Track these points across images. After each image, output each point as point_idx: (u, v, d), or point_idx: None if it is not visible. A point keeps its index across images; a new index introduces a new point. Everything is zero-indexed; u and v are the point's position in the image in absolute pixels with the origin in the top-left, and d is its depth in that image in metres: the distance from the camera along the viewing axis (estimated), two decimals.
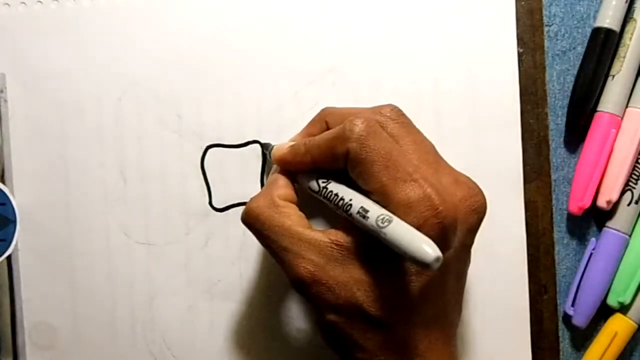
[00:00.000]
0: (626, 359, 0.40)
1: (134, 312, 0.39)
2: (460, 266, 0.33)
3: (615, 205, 0.38)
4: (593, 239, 0.39)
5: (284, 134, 0.38)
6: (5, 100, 0.39)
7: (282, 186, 0.34)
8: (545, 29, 0.39)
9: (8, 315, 0.39)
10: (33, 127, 0.39)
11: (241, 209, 0.39)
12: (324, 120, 0.35)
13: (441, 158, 0.32)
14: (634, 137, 0.38)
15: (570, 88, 0.39)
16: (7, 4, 0.39)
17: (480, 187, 0.32)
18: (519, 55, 0.38)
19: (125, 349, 0.39)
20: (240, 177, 0.39)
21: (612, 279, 0.38)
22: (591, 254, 0.39)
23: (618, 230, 0.38)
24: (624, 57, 0.38)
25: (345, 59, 0.38)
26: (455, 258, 0.31)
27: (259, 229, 0.33)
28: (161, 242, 0.39)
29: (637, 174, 0.38)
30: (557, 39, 0.40)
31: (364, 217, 0.29)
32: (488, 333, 0.38)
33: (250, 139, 0.39)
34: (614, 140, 0.38)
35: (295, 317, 0.39)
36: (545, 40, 0.39)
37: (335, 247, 0.31)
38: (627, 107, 0.38)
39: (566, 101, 0.39)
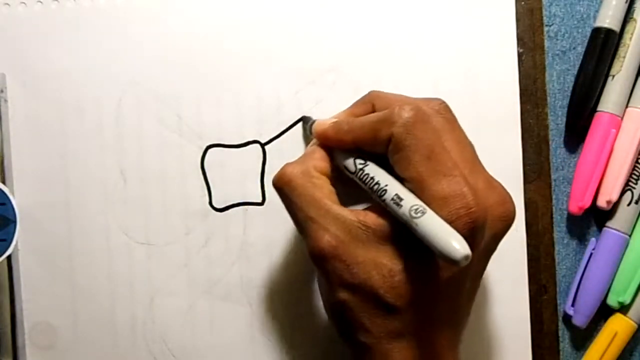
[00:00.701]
0: (626, 359, 0.40)
1: (134, 312, 0.39)
2: (478, 270, 0.33)
3: (615, 205, 0.38)
4: (593, 239, 0.39)
5: (284, 134, 0.38)
6: (5, 100, 0.39)
7: (318, 158, 0.34)
8: (545, 29, 0.39)
9: (8, 315, 0.39)
10: (33, 127, 0.39)
11: (241, 209, 0.39)
12: (371, 102, 0.34)
13: (479, 160, 0.32)
14: (634, 137, 0.38)
15: (570, 88, 0.39)
16: (7, 4, 0.39)
17: None
18: (519, 55, 0.38)
19: (125, 349, 0.39)
20: (240, 177, 0.39)
21: (612, 279, 0.38)
22: (591, 254, 0.39)
23: (618, 230, 0.38)
24: (624, 57, 0.38)
25: (345, 58, 0.38)
26: (477, 261, 0.31)
27: (289, 194, 0.32)
28: (161, 242, 0.39)
29: (637, 174, 0.38)
30: (557, 39, 0.40)
31: (397, 204, 0.29)
32: (488, 333, 0.38)
33: (250, 139, 0.39)
34: (614, 140, 0.38)
35: (296, 316, 0.39)
36: (545, 40, 0.39)
37: (361, 227, 0.30)
38: (627, 107, 0.38)
39: (566, 101, 0.39)
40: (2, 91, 0.39)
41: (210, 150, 0.39)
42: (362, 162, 0.32)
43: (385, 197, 0.30)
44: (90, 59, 0.39)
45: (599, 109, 0.39)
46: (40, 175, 0.39)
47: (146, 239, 0.39)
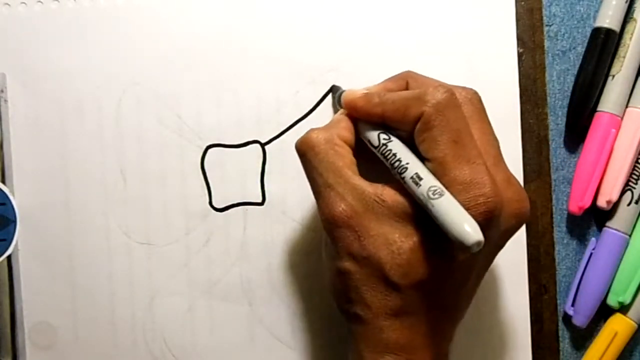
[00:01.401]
0: (626, 359, 0.40)
1: (134, 312, 0.39)
2: (485, 264, 0.33)
3: (615, 205, 0.38)
4: (593, 239, 0.39)
5: (284, 134, 0.38)
6: (5, 100, 0.39)
7: (344, 128, 0.34)
8: (545, 29, 0.39)
9: (8, 315, 0.39)
10: (33, 127, 0.39)
11: (241, 209, 0.39)
12: (405, 80, 0.34)
13: (501, 155, 0.32)
14: (634, 137, 0.38)
15: (570, 88, 0.39)
16: (7, 4, 0.39)
17: None
18: (519, 55, 0.38)
19: (125, 349, 0.39)
20: (240, 177, 0.39)
21: (612, 279, 0.38)
22: (591, 254, 0.39)
23: (618, 230, 0.38)
24: (624, 57, 0.38)
25: (345, 59, 0.38)
26: (485, 255, 0.32)
27: (310, 159, 0.32)
28: (161, 242, 0.39)
29: (637, 174, 0.38)
30: (557, 39, 0.40)
31: (416, 183, 0.29)
32: (488, 333, 0.38)
33: (250, 139, 0.39)
34: (614, 140, 0.38)
35: (296, 317, 0.39)
36: (545, 40, 0.39)
37: (378, 200, 0.30)
38: (627, 107, 0.38)
39: (566, 101, 0.39)
40: (2, 91, 0.39)
41: (210, 150, 0.39)
42: (386, 137, 0.32)
43: (405, 174, 0.30)
44: (90, 59, 0.39)
45: (599, 109, 0.39)
46: (40, 175, 0.39)
47: (146, 239, 0.39)
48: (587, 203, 0.38)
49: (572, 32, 0.40)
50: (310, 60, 0.38)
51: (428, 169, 0.30)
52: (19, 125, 0.39)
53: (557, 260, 0.39)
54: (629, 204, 0.38)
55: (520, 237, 0.38)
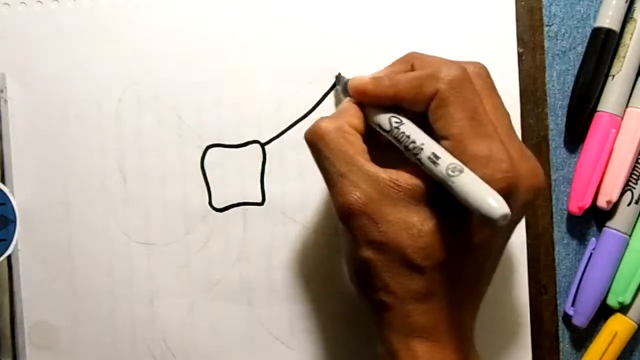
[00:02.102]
0: (626, 359, 0.40)
1: (134, 312, 0.39)
2: (503, 240, 0.33)
3: (615, 205, 0.38)
4: (593, 239, 0.39)
5: (284, 134, 0.38)
6: (5, 100, 0.39)
7: (353, 115, 0.33)
8: (545, 29, 0.39)
9: (8, 315, 0.39)
10: (33, 127, 0.39)
11: (241, 209, 0.39)
12: (410, 62, 0.34)
13: (513, 129, 0.32)
14: (634, 137, 0.38)
15: (570, 88, 0.39)
16: (7, 4, 0.39)
17: None
18: (519, 55, 0.38)
19: (125, 349, 0.39)
20: (240, 177, 0.39)
21: (612, 279, 0.38)
22: (591, 254, 0.39)
23: (618, 230, 0.38)
24: (624, 57, 0.38)
25: (345, 59, 0.38)
26: (504, 229, 0.31)
27: (321, 149, 0.32)
28: (161, 242, 0.39)
29: (637, 174, 0.38)
30: (557, 39, 0.40)
31: (434, 162, 0.29)
32: (488, 333, 0.38)
33: (250, 139, 0.39)
34: (614, 140, 0.38)
35: (296, 317, 0.39)
36: (545, 40, 0.39)
37: (393, 185, 0.30)
38: (627, 107, 0.38)
39: (566, 101, 0.39)
40: (2, 91, 0.39)
41: (210, 150, 0.39)
42: (398, 120, 0.32)
43: (421, 155, 0.30)
44: (90, 58, 0.39)
45: (599, 109, 0.39)
46: (40, 175, 0.39)
47: (146, 239, 0.39)
48: (587, 203, 0.38)
49: (572, 32, 0.40)
50: (310, 60, 0.38)
51: (444, 147, 0.30)
52: (19, 125, 0.39)
53: (557, 260, 0.39)
54: (629, 204, 0.38)
55: (520, 237, 0.38)
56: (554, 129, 0.39)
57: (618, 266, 0.38)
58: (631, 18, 0.38)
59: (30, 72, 0.39)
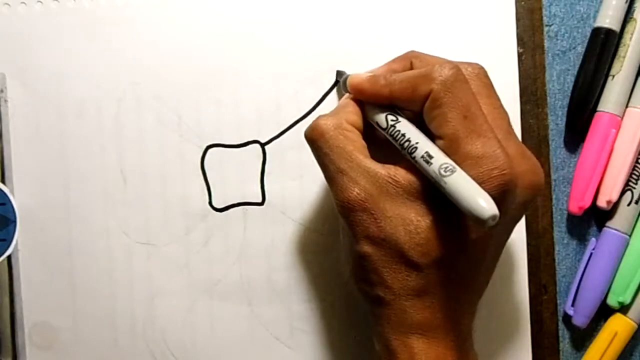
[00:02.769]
0: (626, 359, 0.40)
1: (134, 312, 0.39)
2: (503, 237, 0.33)
3: (615, 205, 0.38)
4: (593, 239, 0.39)
5: (284, 134, 0.38)
6: (6, 100, 0.39)
7: (351, 112, 0.34)
8: (545, 29, 0.39)
9: (8, 315, 0.39)
10: (33, 127, 0.39)
11: (241, 209, 0.39)
12: (409, 60, 0.34)
13: (512, 129, 0.32)
14: (634, 137, 0.38)
15: (570, 88, 0.39)
16: (7, 4, 0.39)
17: None
18: (519, 55, 0.38)
19: (125, 349, 0.39)
20: (240, 177, 0.39)
21: (612, 279, 0.38)
22: (591, 254, 0.39)
23: (618, 230, 0.38)
24: (624, 57, 0.38)
25: (345, 59, 0.38)
26: (502, 227, 0.32)
27: (321, 146, 0.32)
28: (161, 242, 0.39)
29: (637, 174, 0.38)
30: (557, 39, 0.40)
31: (427, 162, 0.29)
32: (488, 333, 0.38)
33: (250, 139, 0.39)
34: (614, 140, 0.38)
35: (296, 317, 0.39)
36: (545, 40, 0.39)
37: (391, 182, 0.30)
38: (627, 107, 0.38)
39: (566, 101, 0.39)
40: (2, 91, 0.39)
41: (210, 150, 0.39)
42: (394, 118, 0.32)
43: (415, 154, 0.30)
44: (90, 59, 0.39)
45: (599, 109, 0.39)
46: (40, 175, 0.39)
47: (146, 239, 0.39)
48: (587, 203, 0.38)
49: (572, 32, 0.40)
50: (310, 60, 0.38)
51: (439, 146, 0.30)
52: (19, 125, 0.39)
53: (557, 260, 0.39)
54: (629, 204, 0.38)
55: (520, 237, 0.38)
56: (554, 129, 0.39)
57: (618, 266, 0.38)
58: (631, 18, 0.38)
59: (30, 72, 0.39)
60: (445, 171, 0.28)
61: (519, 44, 0.38)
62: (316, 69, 0.38)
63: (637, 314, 0.38)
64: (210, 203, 0.39)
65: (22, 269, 0.39)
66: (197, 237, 0.39)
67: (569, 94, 0.39)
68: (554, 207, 0.39)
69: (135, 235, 0.39)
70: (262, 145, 0.39)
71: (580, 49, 0.39)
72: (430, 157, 0.29)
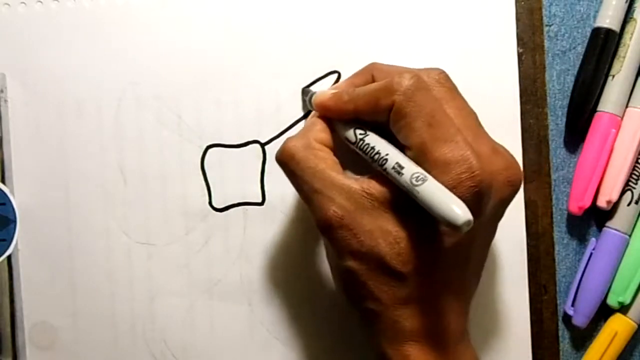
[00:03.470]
0: (626, 359, 0.40)
1: (134, 312, 0.39)
2: (487, 237, 0.33)
3: (615, 205, 0.38)
4: (593, 239, 0.39)
5: (284, 134, 0.38)
6: (6, 100, 0.39)
7: (319, 130, 0.34)
8: (545, 29, 0.39)
9: (8, 315, 0.39)
10: (33, 127, 0.39)
11: (241, 209, 0.39)
12: (370, 73, 0.34)
13: (482, 127, 0.32)
14: (634, 137, 0.38)
15: (570, 88, 0.39)
16: (7, 4, 0.39)
17: None
18: (519, 55, 0.38)
19: (125, 349, 0.39)
20: (240, 177, 0.39)
21: (612, 279, 0.38)
22: (591, 254, 0.39)
23: (618, 230, 0.38)
24: (624, 57, 0.38)
25: (345, 59, 0.38)
26: (484, 227, 0.32)
27: (293, 169, 0.32)
28: (161, 242, 0.39)
29: (637, 174, 0.38)
30: (557, 39, 0.40)
31: (398, 173, 0.29)
32: (488, 333, 0.38)
33: (250, 139, 0.39)
34: (614, 140, 0.38)
35: (296, 317, 0.39)
36: (545, 40, 0.39)
37: (366, 195, 0.31)
38: (627, 107, 0.38)
39: (566, 101, 0.39)
40: (2, 91, 0.39)
41: (210, 150, 0.39)
42: (362, 132, 0.32)
43: (386, 166, 0.30)
44: (90, 59, 0.39)
45: (599, 109, 0.39)
46: (40, 175, 0.39)
47: (146, 239, 0.39)
48: (587, 203, 0.38)
49: (572, 32, 0.40)
50: (310, 60, 0.38)
51: (408, 156, 0.30)
52: (19, 125, 0.39)
53: (557, 260, 0.39)
54: (629, 204, 0.38)
55: (520, 237, 0.38)
56: (554, 129, 0.39)
57: (618, 266, 0.38)
58: (631, 18, 0.38)
59: (30, 72, 0.39)
60: (417, 180, 0.28)
61: (519, 44, 0.38)
62: (316, 69, 0.38)
63: (637, 314, 0.38)
64: (210, 203, 0.39)
65: (22, 269, 0.39)
66: (197, 237, 0.39)
67: (569, 94, 0.39)
68: (554, 207, 0.39)
69: (135, 235, 0.39)
70: (262, 145, 0.39)
71: (580, 49, 0.39)
72: (401, 167, 0.29)
